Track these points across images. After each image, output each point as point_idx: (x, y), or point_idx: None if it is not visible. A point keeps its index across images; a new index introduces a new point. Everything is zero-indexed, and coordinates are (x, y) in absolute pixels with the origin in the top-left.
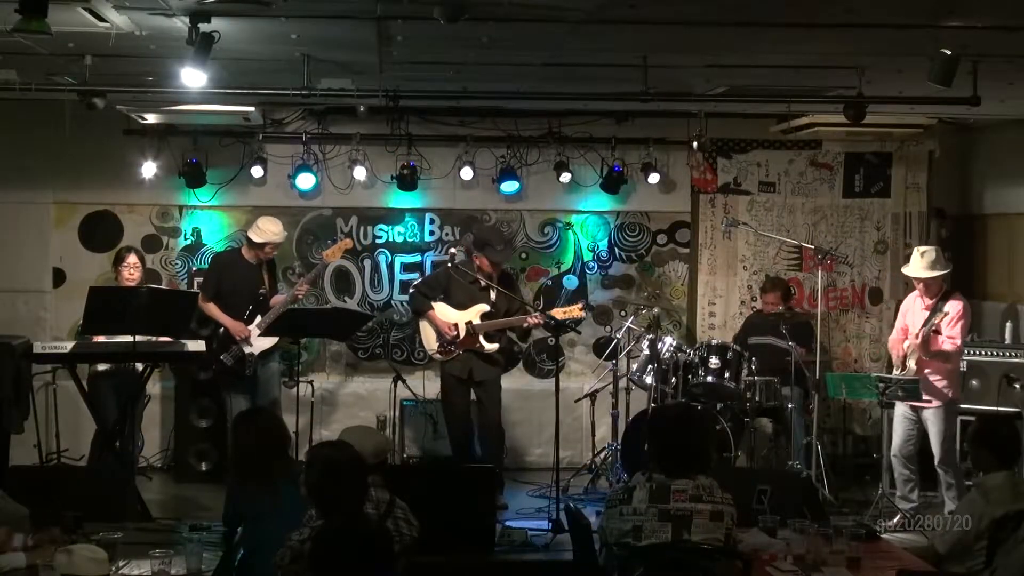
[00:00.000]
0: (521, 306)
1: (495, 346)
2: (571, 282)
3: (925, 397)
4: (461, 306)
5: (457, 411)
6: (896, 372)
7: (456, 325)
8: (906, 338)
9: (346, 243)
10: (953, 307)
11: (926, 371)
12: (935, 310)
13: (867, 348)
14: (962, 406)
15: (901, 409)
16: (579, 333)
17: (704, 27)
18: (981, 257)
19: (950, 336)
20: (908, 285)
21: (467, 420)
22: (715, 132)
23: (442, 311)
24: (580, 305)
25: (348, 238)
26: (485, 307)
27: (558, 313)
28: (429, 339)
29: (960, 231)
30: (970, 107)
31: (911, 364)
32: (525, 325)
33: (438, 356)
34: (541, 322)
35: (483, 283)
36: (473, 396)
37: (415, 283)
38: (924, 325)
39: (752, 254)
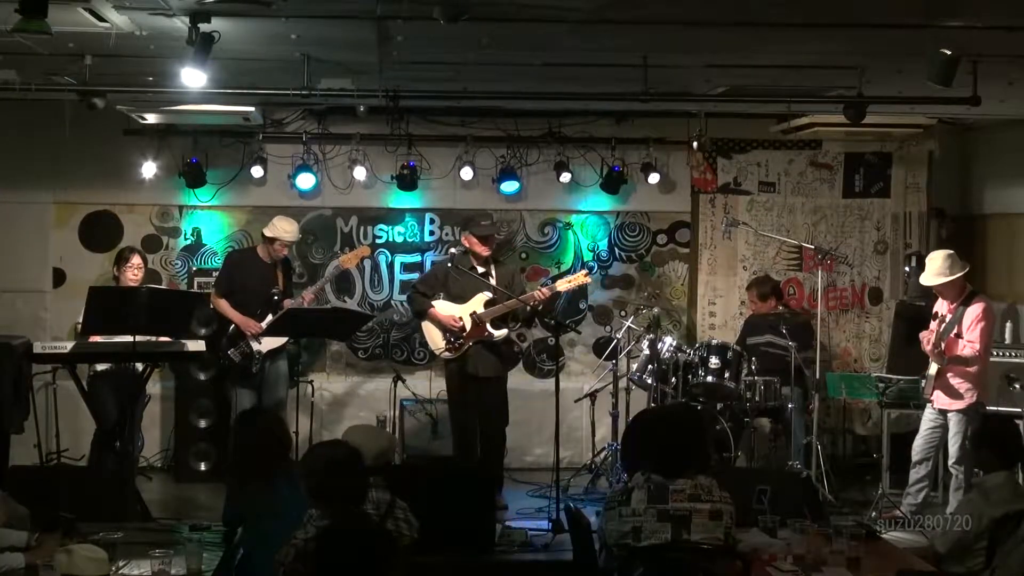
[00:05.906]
0: (523, 292)
1: (503, 332)
2: None
3: (946, 400)
4: (461, 299)
5: (463, 409)
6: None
7: (460, 317)
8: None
9: (364, 251)
10: (971, 312)
11: (948, 375)
12: (955, 315)
13: (867, 348)
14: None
15: (928, 410)
16: (579, 333)
17: (704, 27)
18: (981, 257)
19: (969, 340)
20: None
21: (474, 420)
22: (715, 132)
23: (443, 307)
24: (584, 271)
25: (366, 246)
26: (487, 295)
27: (563, 284)
28: (435, 339)
29: (960, 231)
30: (970, 107)
31: (931, 371)
32: (532, 303)
33: (446, 355)
34: (547, 296)
35: (481, 269)
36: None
37: (412, 283)
38: (937, 335)
39: (752, 254)
